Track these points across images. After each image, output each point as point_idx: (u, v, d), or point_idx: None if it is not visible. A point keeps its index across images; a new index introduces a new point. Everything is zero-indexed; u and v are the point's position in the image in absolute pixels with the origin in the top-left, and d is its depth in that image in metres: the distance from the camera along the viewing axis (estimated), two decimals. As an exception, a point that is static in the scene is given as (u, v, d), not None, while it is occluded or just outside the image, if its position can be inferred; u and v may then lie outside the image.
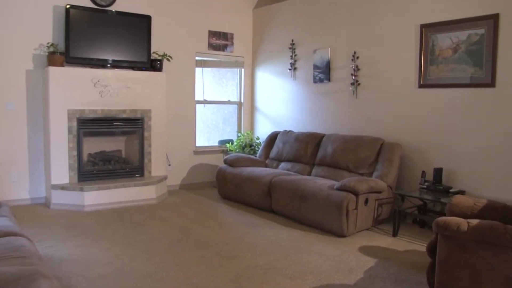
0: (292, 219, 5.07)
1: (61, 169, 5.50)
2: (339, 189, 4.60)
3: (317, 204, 4.67)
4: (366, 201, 4.60)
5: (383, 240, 4.41)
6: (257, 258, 3.83)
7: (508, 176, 4.28)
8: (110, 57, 5.80)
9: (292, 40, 6.71)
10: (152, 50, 6.21)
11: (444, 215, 4.63)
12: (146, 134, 6.11)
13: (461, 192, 4.51)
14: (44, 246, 4.01)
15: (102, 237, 4.35)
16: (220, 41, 7.17)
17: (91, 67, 5.69)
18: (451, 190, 4.54)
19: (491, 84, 4.36)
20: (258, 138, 7.39)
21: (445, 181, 4.74)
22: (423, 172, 4.81)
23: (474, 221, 2.83)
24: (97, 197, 5.47)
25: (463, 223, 2.82)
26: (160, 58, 6.28)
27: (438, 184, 4.65)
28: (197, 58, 7.01)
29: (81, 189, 5.38)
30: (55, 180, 5.46)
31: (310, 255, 3.93)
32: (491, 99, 4.39)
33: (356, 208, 4.51)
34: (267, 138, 6.76)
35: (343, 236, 4.48)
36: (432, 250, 3.10)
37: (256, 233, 4.59)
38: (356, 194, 4.48)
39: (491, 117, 4.40)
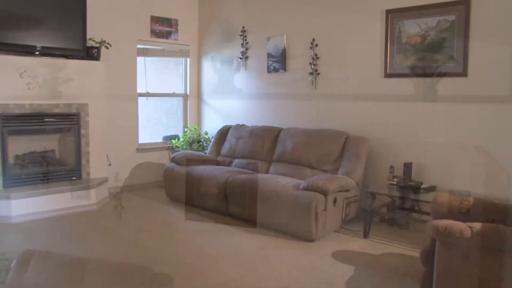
0: (253, 223, 4.59)
1: (-19, 175, 4.71)
2: (305, 189, 4.20)
3: (282, 206, 4.25)
4: (335, 201, 4.24)
5: (355, 243, 4.07)
6: (222, 274, 3.34)
7: (480, 170, 4.08)
8: (39, 43, 5.03)
9: (243, 27, 6.22)
10: (88, 36, 5.48)
11: (415, 211, 4.43)
12: (83, 131, 5.42)
13: (433, 188, 4.27)
14: (-40, 273, 3.27)
15: (34, 256, 3.66)
16: (163, 27, 6.54)
17: (16, 55, 4.89)
18: (422, 186, 4.28)
19: (463, 73, 4.13)
20: (206, 133, 6.86)
21: (415, 176, 4.48)
22: (392, 167, 4.53)
23: (476, 225, 2.52)
24: (27, 206, 4.73)
25: (465, 229, 2.50)
26: (97, 45, 5.56)
27: (409, 179, 4.38)
28: (138, 46, 6.34)
29: (7, 197, 4.63)
30: (-27, 188, 4.66)
31: (281, 266, 3.50)
32: (463, 89, 4.16)
33: (325, 209, 4.13)
34: (217, 133, 6.25)
35: (312, 240, 4.09)
36: (427, 258, 2.77)
37: (216, 241, 4.09)
38: (325, 194, 4.10)
39: (462, 108, 4.18)
